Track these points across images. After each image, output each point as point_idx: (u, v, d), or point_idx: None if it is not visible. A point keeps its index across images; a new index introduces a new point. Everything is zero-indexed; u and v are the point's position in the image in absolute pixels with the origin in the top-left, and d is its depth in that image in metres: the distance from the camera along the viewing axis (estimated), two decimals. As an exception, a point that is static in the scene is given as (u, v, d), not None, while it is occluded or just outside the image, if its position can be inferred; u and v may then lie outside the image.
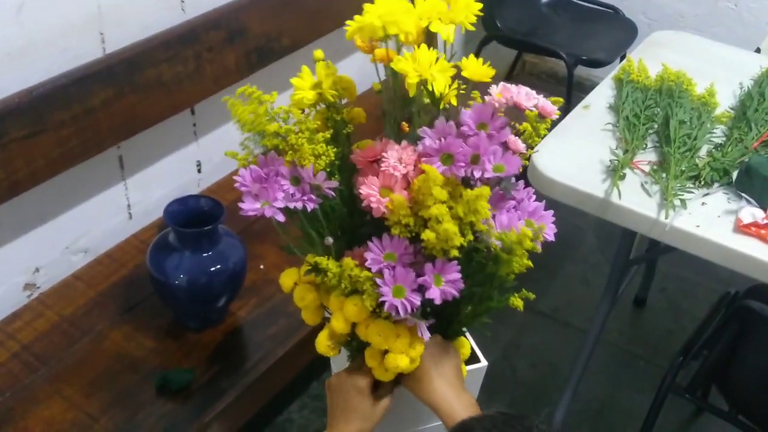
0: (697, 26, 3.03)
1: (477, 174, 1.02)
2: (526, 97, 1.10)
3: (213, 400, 1.55)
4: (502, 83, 1.12)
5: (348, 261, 1.03)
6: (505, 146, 1.07)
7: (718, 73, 1.91)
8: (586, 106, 1.84)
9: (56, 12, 1.57)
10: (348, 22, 1.07)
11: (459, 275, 1.01)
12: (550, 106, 1.11)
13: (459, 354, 1.15)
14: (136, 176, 1.90)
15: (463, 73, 1.08)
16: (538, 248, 1.02)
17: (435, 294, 1.01)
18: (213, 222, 1.57)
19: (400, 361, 1.06)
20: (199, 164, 2.06)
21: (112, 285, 1.77)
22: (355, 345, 1.16)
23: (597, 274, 2.55)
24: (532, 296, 1.09)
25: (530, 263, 1.02)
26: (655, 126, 1.74)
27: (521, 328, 2.39)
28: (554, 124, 1.75)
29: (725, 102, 1.83)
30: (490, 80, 1.09)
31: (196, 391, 1.56)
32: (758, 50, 2.28)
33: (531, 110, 1.10)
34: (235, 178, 1.06)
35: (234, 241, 1.65)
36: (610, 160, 1.65)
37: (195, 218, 1.59)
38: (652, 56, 1.97)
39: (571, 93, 2.78)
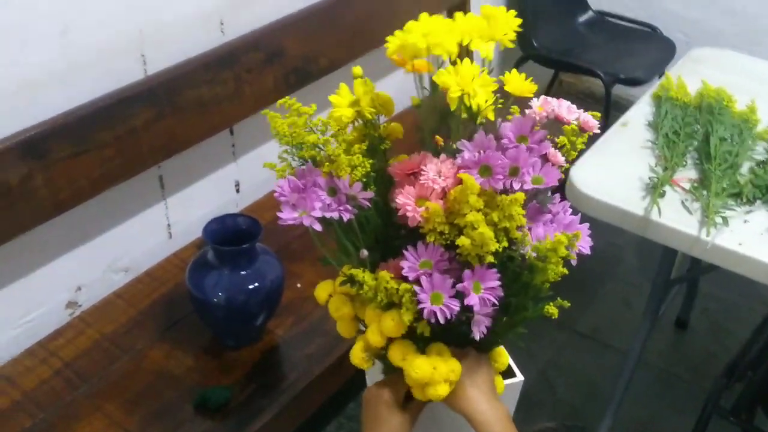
0: (737, 44, 2.98)
1: (516, 186, 1.02)
2: (567, 110, 1.09)
3: (251, 418, 1.55)
4: (543, 96, 1.12)
5: (384, 274, 1.03)
6: (544, 158, 1.07)
7: (759, 90, 1.88)
8: (624, 123, 1.83)
9: (99, 35, 1.60)
10: (389, 38, 1.08)
11: (498, 282, 1.01)
12: (591, 120, 1.10)
13: (493, 367, 1.14)
14: (176, 196, 1.92)
15: (506, 88, 1.08)
16: (573, 257, 1.01)
17: (474, 301, 1.00)
18: (251, 240, 1.58)
19: (441, 390, 1.05)
20: (237, 184, 2.09)
21: (152, 303, 1.79)
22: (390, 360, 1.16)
23: (637, 295, 2.51)
24: (567, 304, 1.07)
25: (565, 270, 1.01)
26: (695, 143, 1.72)
27: (560, 347, 2.36)
28: (592, 140, 1.75)
29: (766, 119, 1.81)
30: (532, 95, 1.09)
31: (234, 410, 1.57)
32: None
33: (572, 123, 1.09)
34: (274, 187, 1.07)
35: (271, 259, 1.66)
36: (650, 178, 1.63)
37: (233, 237, 1.60)
38: (691, 73, 1.95)
39: (609, 112, 2.76)
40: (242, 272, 1.60)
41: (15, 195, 1.48)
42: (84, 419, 1.53)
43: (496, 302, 1.02)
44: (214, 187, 2.01)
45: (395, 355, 1.08)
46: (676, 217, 1.55)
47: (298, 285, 1.83)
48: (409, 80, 1.13)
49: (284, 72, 1.91)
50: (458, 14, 1.10)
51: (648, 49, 2.89)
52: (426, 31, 1.05)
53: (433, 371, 1.06)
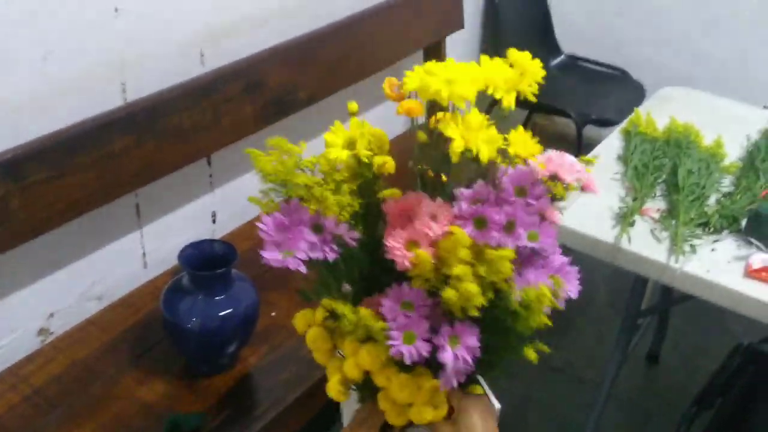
0: (706, 87, 3.07)
1: (511, 245, 1.01)
2: (569, 168, 1.09)
3: (223, 444, 1.54)
4: (547, 153, 1.11)
5: (364, 312, 1.03)
6: (542, 215, 1.06)
7: (725, 127, 1.94)
8: (594, 156, 1.87)
9: (80, 62, 1.62)
10: (408, 73, 1.03)
11: (477, 343, 1.00)
12: (593, 184, 1.09)
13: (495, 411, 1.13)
14: (153, 225, 1.93)
15: (510, 150, 1.07)
16: (558, 305, 1.02)
17: (448, 357, 0.99)
18: (226, 266, 1.59)
19: (425, 413, 1.05)
20: (214, 215, 2.10)
21: (125, 330, 1.78)
22: (366, 389, 1.16)
23: (610, 330, 2.52)
24: (546, 349, 1.07)
25: (549, 321, 1.01)
26: (663, 176, 1.77)
27: (534, 382, 2.37)
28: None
29: (733, 154, 1.86)
30: (536, 158, 1.09)
31: (206, 436, 1.55)
32: (766, 107, 2.32)
33: (572, 184, 1.09)
34: (258, 225, 1.06)
35: (247, 286, 1.67)
36: (619, 207, 1.67)
37: (209, 262, 1.60)
38: (660, 111, 2.01)
39: (580, 152, 2.81)
40: (217, 297, 1.60)
41: (-9, 216, 1.48)
42: (53, 445, 1.51)
43: (471, 363, 1.02)
44: (191, 217, 2.02)
45: (379, 378, 1.07)
46: (646, 245, 1.58)
47: (273, 314, 1.84)
48: (389, 112, 1.14)
49: (263, 103, 1.93)
50: (485, 59, 1.06)
51: (618, 91, 2.97)
52: (450, 78, 1.00)
53: (418, 390, 1.05)
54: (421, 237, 1.03)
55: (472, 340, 0.99)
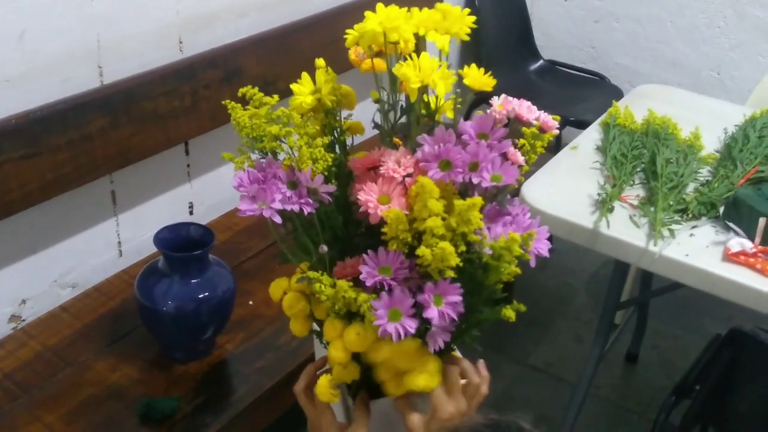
0: (682, 94, 3.13)
1: (475, 181, 1.02)
2: (527, 109, 1.11)
3: (197, 429, 1.51)
4: (503, 95, 1.13)
5: (342, 283, 1.02)
6: (504, 157, 1.08)
7: (702, 121, 1.95)
8: (574, 146, 1.88)
9: (56, 42, 1.61)
10: (348, 30, 1.11)
11: (460, 298, 1.00)
12: (551, 120, 1.12)
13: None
14: (128, 213, 1.90)
15: (465, 81, 1.10)
16: (529, 256, 1.02)
17: (434, 314, 0.99)
18: (203, 248, 1.57)
19: (421, 380, 1.04)
20: (191, 206, 2.08)
21: (99, 317, 1.75)
22: (354, 388, 1.14)
23: (589, 331, 2.53)
24: (523, 308, 1.06)
25: (518, 270, 1.01)
26: (642, 165, 1.77)
27: (513, 380, 2.36)
28: (542, 162, 1.78)
29: (710, 146, 1.87)
30: (491, 89, 1.11)
31: (180, 421, 1.52)
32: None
33: (532, 123, 1.11)
34: (233, 180, 1.06)
35: (224, 271, 1.65)
36: (598, 194, 1.67)
37: (185, 246, 1.58)
38: (638, 106, 2.02)
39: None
40: (193, 281, 1.58)
41: (-38, 192, 1.45)
42: (22, 429, 1.47)
43: (456, 318, 1.01)
44: (168, 207, 1.99)
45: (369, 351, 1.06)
46: (625, 230, 1.58)
47: (250, 302, 1.81)
48: (368, 109, 1.14)
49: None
50: (414, 8, 1.13)
51: (596, 95, 2.99)
52: (383, 19, 1.08)
53: (408, 355, 1.04)
54: (390, 188, 1.03)
55: (455, 297, 0.99)
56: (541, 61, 3.21)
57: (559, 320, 2.61)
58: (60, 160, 1.59)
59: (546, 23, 3.34)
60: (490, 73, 1.10)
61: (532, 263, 1.02)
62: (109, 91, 1.67)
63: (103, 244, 1.88)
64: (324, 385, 1.06)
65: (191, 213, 2.08)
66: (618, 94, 2.98)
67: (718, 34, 3.06)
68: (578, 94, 3.00)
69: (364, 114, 1.15)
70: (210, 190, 2.08)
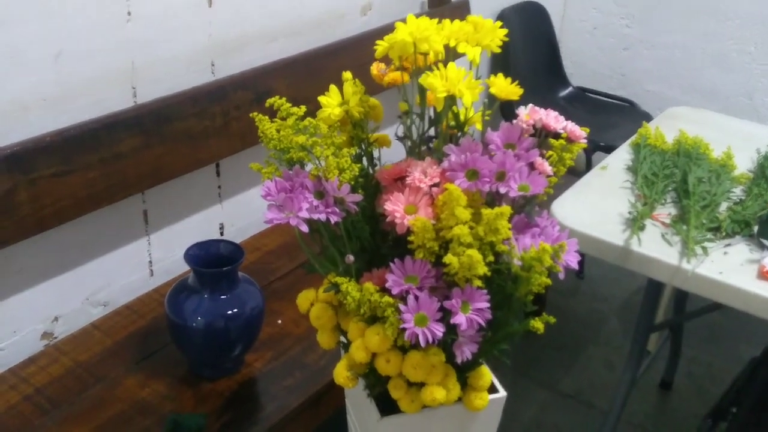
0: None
1: (503, 190, 1.02)
2: (555, 119, 1.11)
3: (225, 447, 1.50)
4: (530, 105, 1.13)
5: (368, 286, 1.03)
6: (531, 167, 1.07)
7: (734, 142, 1.93)
8: (603, 167, 1.87)
9: (92, 63, 1.64)
10: (378, 42, 1.11)
11: (487, 304, 0.99)
12: (578, 130, 1.12)
13: None
14: (160, 233, 1.92)
15: (491, 90, 1.11)
16: (559, 268, 1.01)
17: (461, 320, 0.98)
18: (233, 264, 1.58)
19: (437, 393, 1.03)
20: (221, 227, 2.09)
21: (129, 335, 1.76)
22: (373, 377, 1.14)
23: (621, 357, 2.49)
24: (552, 319, 1.05)
25: (549, 281, 1.01)
26: (674, 183, 1.76)
27: (543, 406, 2.33)
28: (571, 183, 1.77)
29: (743, 167, 1.85)
30: (518, 98, 1.12)
31: (208, 438, 1.52)
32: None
33: (559, 132, 1.11)
34: (261, 189, 1.07)
35: (253, 289, 1.65)
36: (629, 212, 1.65)
37: (215, 263, 1.59)
38: (669, 127, 2.00)
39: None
40: (222, 297, 1.59)
41: (-2, 207, 1.48)
42: (52, 444, 1.48)
43: (483, 325, 1.00)
44: (199, 227, 2.01)
45: (381, 362, 1.05)
46: (657, 248, 1.56)
47: (279, 321, 1.81)
48: (393, 127, 1.16)
49: (272, 112, 1.94)
50: (445, 20, 1.14)
51: (626, 121, 2.98)
52: (413, 29, 1.09)
53: (432, 369, 1.03)
54: (417, 198, 1.03)
55: (482, 303, 0.98)
56: (570, 88, 3.21)
57: (589, 346, 2.58)
58: (92, 178, 1.61)
59: (575, 52, 3.35)
60: (517, 82, 1.10)
61: (561, 276, 1.01)
62: (142, 111, 1.70)
63: (135, 263, 1.89)
64: (341, 369, 1.07)
65: (222, 233, 2.09)
66: (648, 119, 2.96)
67: (749, 60, 3.04)
68: (608, 121, 2.99)
69: (390, 131, 1.16)
70: (240, 211, 2.10)
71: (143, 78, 1.75)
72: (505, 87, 1.10)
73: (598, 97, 3.19)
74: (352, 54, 2.16)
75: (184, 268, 1.61)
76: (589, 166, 2.80)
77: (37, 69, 1.56)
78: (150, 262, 1.93)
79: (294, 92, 2.00)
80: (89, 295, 1.81)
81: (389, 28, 1.12)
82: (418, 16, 1.11)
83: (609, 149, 2.80)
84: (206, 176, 1.96)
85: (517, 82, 1.10)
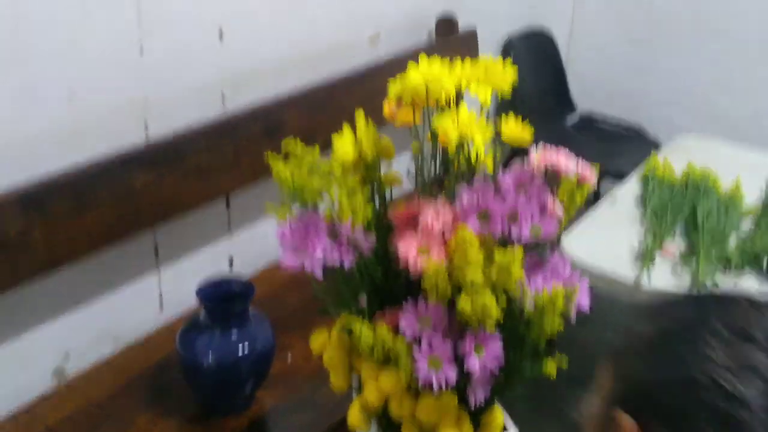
0: (721, 145, 3.10)
1: (515, 232, 1.03)
2: (565, 162, 1.12)
3: (237, 484, 1.50)
4: (541, 145, 1.14)
5: (382, 330, 1.03)
6: (543, 209, 1.08)
7: (743, 172, 1.94)
8: (613, 199, 1.87)
9: (104, 100, 1.66)
10: (390, 80, 1.13)
11: (500, 351, 1.00)
12: (588, 172, 1.12)
13: None
14: (170, 267, 1.93)
15: (503, 137, 1.12)
16: (571, 313, 1.01)
17: (474, 365, 0.99)
18: (244, 302, 1.58)
19: None
20: (231, 259, 2.10)
21: (141, 372, 1.76)
22: (386, 420, 1.14)
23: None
24: (564, 364, 1.06)
25: (561, 327, 1.01)
26: (682, 217, 1.76)
27: (555, 436, 2.31)
28: (580, 213, 1.78)
29: (752, 197, 1.85)
30: (528, 145, 1.13)
31: (219, 475, 1.52)
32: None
33: (569, 174, 1.11)
34: (275, 232, 1.08)
35: (264, 324, 1.65)
36: (638, 246, 1.66)
37: (226, 300, 1.60)
38: (678, 158, 2.01)
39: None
40: (233, 334, 1.59)
41: (13, 246, 1.48)
42: (64, 482, 1.47)
43: (496, 372, 1.00)
44: (208, 260, 2.02)
45: (394, 405, 1.05)
46: (667, 283, 1.56)
47: (289, 355, 1.81)
48: (403, 162, 1.16)
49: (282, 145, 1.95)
50: (457, 62, 1.15)
51: (635, 150, 2.98)
52: (425, 72, 1.10)
53: (445, 412, 1.03)
54: (430, 240, 1.04)
55: (496, 348, 0.98)
56: (578, 114, 3.22)
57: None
58: (106, 214, 1.62)
59: (582, 77, 3.35)
60: (527, 120, 1.11)
61: (573, 319, 1.02)
62: (154, 146, 1.71)
63: (146, 298, 1.90)
64: (355, 411, 1.07)
65: (231, 266, 2.10)
66: (656, 146, 2.97)
67: (757, 84, 3.05)
68: (617, 148, 3.00)
69: (400, 167, 1.17)
70: (250, 244, 2.11)
71: (155, 112, 1.76)
72: (515, 132, 1.11)
73: (606, 126, 3.20)
74: (362, 86, 2.17)
75: (194, 300, 1.61)
76: (597, 193, 2.80)
77: (51, 106, 1.57)
78: (160, 295, 1.93)
79: (305, 124, 2.02)
80: (100, 330, 1.81)
81: (398, 61, 1.12)
82: (425, 45, 1.12)
83: (618, 176, 2.81)
84: (216, 209, 1.96)
85: (525, 110, 1.11)
